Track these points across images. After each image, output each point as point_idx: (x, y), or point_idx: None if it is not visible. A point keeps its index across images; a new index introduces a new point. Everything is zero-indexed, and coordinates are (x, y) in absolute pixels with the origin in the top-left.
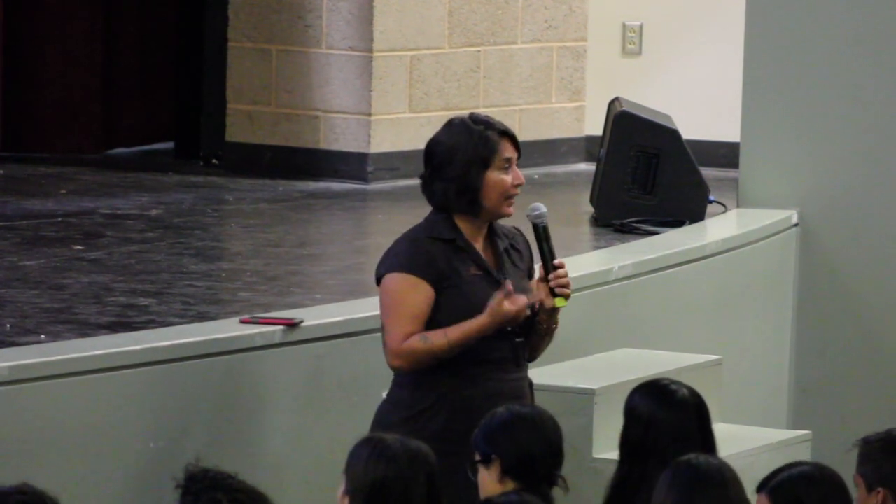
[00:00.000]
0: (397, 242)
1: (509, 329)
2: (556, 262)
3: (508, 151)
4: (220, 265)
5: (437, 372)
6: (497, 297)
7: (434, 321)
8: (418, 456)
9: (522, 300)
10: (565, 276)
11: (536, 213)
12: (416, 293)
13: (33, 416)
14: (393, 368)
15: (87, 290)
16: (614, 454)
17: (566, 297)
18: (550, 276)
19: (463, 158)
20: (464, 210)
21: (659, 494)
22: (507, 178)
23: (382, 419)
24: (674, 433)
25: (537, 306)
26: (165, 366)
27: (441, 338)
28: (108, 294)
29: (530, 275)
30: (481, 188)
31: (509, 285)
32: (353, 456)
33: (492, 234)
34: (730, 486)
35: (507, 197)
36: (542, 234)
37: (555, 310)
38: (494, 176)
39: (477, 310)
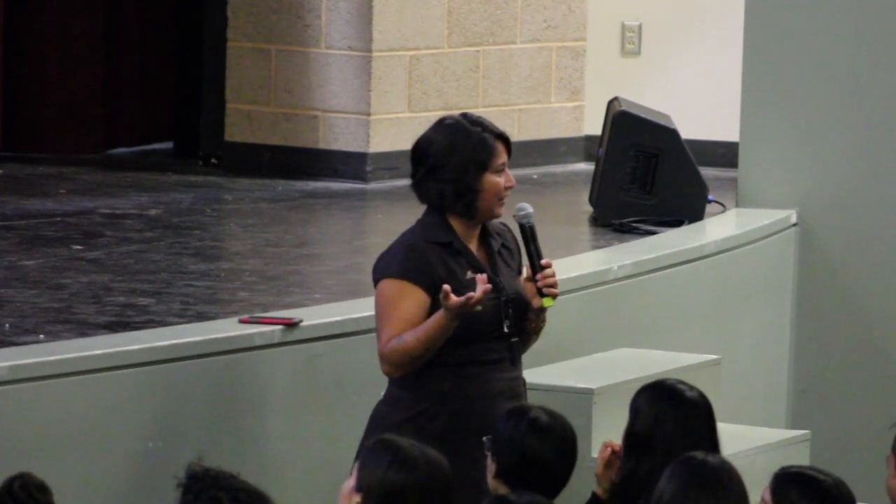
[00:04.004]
0: (393, 247)
1: (506, 330)
2: (543, 261)
3: (504, 156)
4: (219, 265)
5: (437, 373)
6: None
7: None
8: (437, 465)
9: (473, 294)
10: (553, 275)
11: (523, 213)
12: (408, 299)
13: (33, 416)
14: (385, 374)
15: (86, 290)
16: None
17: (553, 296)
18: (538, 276)
19: (461, 160)
20: (459, 212)
21: (658, 488)
22: (501, 180)
23: (380, 420)
24: (683, 434)
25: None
26: (164, 365)
27: (412, 336)
28: (107, 294)
29: (520, 271)
30: (480, 191)
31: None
32: (370, 458)
33: (485, 235)
34: (727, 485)
35: (500, 199)
36: (528, 234)
37: (542, 309)
38: (491, 179)
39: (478, 313)
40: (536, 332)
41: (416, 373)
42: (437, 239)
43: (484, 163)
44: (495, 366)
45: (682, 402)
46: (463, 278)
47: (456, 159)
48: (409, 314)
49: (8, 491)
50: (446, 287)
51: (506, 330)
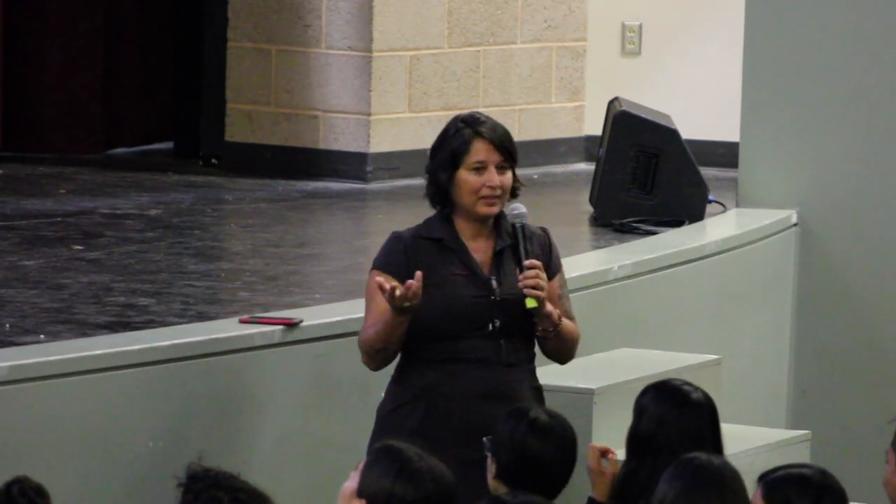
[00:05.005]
0: (386, 240)
1: (491, 329)
2: (526, 262)
3: (481, 154)
4: (219, 265)
5: (420, 368)
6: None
7: (418, 319)
8: (442, 479)
9: (395, 285)
10: (534, 276)
11: (516, 212)
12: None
13: (33, 416)
14: (364, 364)
15: (87, 290)
16: (615, 454)
17: (537, 298)
18: (520, 277)
19: (440, 155)
20: (441, 206)
21: (660, 490)
22: (478, 179)
23: (378, 413)
24: (687, 435)
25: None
26: (165, 366)
27: (373, 328)
28: (108, 294)
29: (550, 275)
30: (450, 186)
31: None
32: (375, 465)
33: (497, 234)
34: (729, 487)
35: (481, 197)
36: (518, 233)
37: (535, 310)
38: (463, 176)
39: (456, 309)
40: (546, 335)
41: (404, 366)
42: (430, 234)
43: (455, 159)
44: (481, 364)
45: (687, 403)
46: (447, 274)
47: (437, 154)
48: (385, 306)
49: (6, 495)
50: (379, 279)
51: (490, 329)
